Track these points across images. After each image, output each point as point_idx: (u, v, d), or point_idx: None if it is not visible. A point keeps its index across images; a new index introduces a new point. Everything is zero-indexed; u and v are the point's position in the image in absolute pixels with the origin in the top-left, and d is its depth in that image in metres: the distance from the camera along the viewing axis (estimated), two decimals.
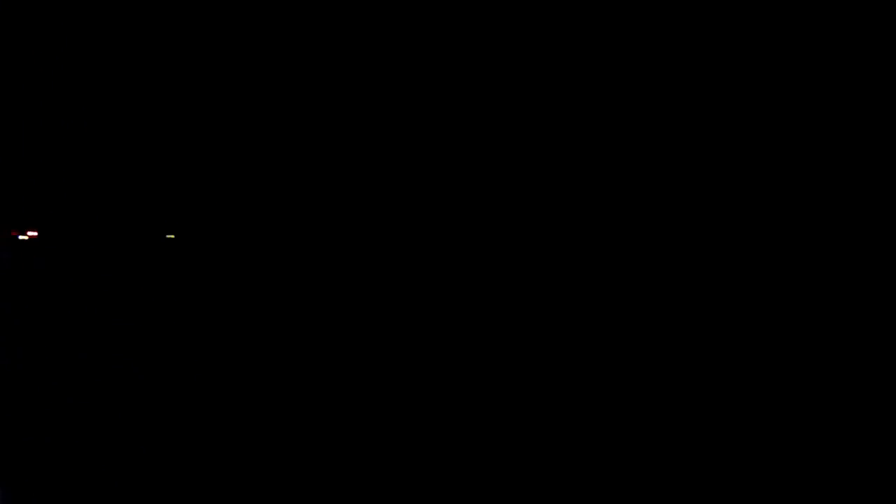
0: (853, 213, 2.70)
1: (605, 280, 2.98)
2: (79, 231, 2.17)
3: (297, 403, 2.73)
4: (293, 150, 2.32)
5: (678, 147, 2.76)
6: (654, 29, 2.54)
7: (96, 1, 2.04)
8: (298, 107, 2.32)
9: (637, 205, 2.83)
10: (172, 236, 2.25)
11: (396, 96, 2.44)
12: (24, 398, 2.36)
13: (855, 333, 2.77)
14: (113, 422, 2.57)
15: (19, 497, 1.95)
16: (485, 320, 3.02)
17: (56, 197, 2.07)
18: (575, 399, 2.84)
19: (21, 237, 1.86)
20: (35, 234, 1.92)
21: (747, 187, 2.82)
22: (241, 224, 2.41)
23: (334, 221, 2.50)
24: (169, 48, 2.11)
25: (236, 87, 2.23)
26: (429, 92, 2.44)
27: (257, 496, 2.11)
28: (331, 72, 2.25)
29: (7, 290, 1.91)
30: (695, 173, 2.80)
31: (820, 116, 2.65)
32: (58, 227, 2.09)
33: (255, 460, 2.39)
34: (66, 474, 2.19)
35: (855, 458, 2.46)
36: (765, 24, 2.56)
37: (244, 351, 2.82)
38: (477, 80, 2.46)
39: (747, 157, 2.79)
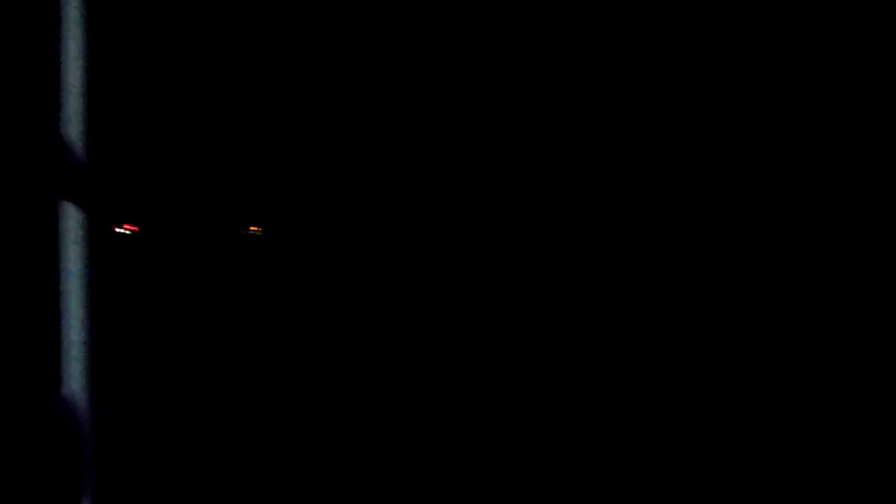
0: (853, 213, 2.72)
1: (605, 279, 3.00)
2: (176, 225, 2.31)
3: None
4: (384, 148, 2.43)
5: (678, 147, 2.80)
6: (654, 29, 2.60)
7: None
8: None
9: (637, 205, 2.87)
10: (258, 229, 2.38)
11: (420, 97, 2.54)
12: (126, 387, 2.41)
13: (855, 333, 2.73)
14: (219, 416, 2.62)
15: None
16: (486, 319, 3.06)
17: (153, 194, 2.21)
18: (575, 398, 2.84)
19: (121, 231, 1.99)
20: (135, 228, 2.05)
21: (747, 187, 2.85)
22: (334, 219, 2.52)
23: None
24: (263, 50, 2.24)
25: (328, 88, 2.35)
26: (435, 92, 2.54)
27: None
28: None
29: (110, 282, 2.02)
30: (695, 173, 2.84)
31: (820, 116, 2.69)
32: (156, 222, 2.22)
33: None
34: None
35: (855, 458, 2.48)
36: (765, 25, 2.60)
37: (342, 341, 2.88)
38: (478, 81, 2.55)
39: (747, 158, 2.83)
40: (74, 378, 1.83)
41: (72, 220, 1.78)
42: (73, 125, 1.82)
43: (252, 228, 2.56)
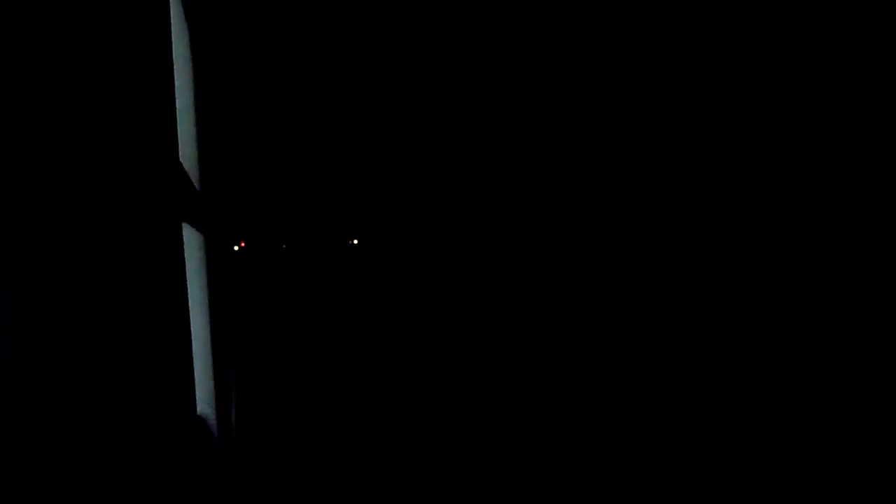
0: (853, 213, 2.57)
1: (605, 279, 2.96)
2: (279, 240, 2.48)
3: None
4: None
5: (678, 147, 2.68)
6: (654, 29, 2.49)
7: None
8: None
9: (637, 205, 2.78)
10: (356, 242, 2.51)
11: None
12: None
13: (855, 333, 2.62)
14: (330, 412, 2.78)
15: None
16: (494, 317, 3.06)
17: (258, 213, 2.39)
18: (575, 398, 2.85)
19: (235, 248, 2.17)
20: (243, 244, 2.23)
21: (747, 187, 2.72)
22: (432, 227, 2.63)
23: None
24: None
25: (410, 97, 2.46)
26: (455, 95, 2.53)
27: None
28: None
29: (224, 291, 2.21)
30: (695, 173, 2.73)
31: (820, 116, 2.52)
32: (261, 239, 2.41)
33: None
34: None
35: (855, 458, 2.44)
36: (765, 24, 2.46)
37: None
38: (481, 81, 2.51)
39: (747, 158, 2.69)
40: (203, 388, 1.97)
41: (194, 242, 1.92)
42: (189, 154, 1.97)
43: (351, 242, 2.66)
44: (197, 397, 1.90)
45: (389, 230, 2.46)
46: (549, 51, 2.53)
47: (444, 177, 2.61)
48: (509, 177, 2.74)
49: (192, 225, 1.88)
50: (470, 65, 2.51)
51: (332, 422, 2.70)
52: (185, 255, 1.93)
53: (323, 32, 2.38)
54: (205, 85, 2.20)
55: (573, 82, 2.58)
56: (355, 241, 2.24)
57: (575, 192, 2.75)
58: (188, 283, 1.89)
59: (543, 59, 2.54)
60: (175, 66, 1.81)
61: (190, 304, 1.88)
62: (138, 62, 1.29)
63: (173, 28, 1.84)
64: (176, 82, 1.83)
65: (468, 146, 2.57)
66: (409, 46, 2.47)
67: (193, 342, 1.92)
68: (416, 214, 2.53)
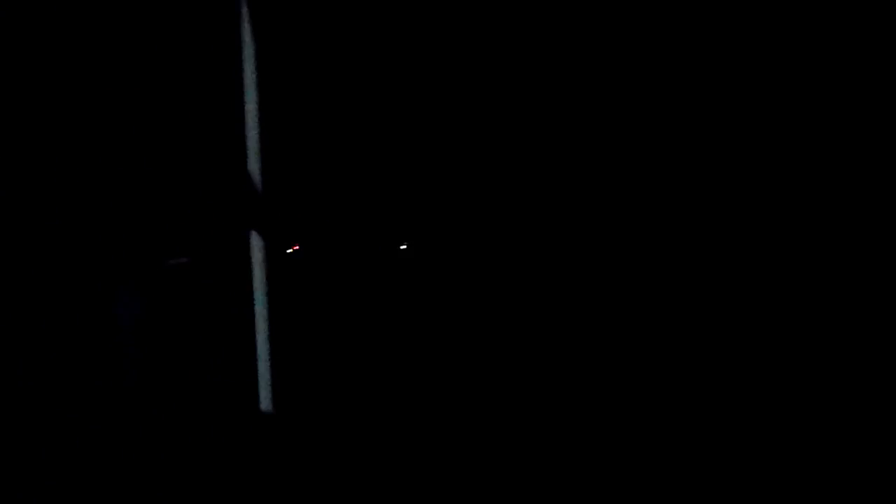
0: (853, 213, 2.55)
1: (606, 279, 2.96)
2: (331, 243, 2.57)
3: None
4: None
5: (678, 147, 2.68)
6: (654, 29, 2.50)
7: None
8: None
9: (638, 205, 2.78)
10: (406, 246, 2.58)
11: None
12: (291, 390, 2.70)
13: (855, 333, 2.73)
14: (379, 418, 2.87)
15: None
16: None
17: (311, 216, 2.48)
18: (576, 398, 2.86)
19: (288, 251, 2.25)
20: (297, 247, 2.32)
21: (747, 187, 2.70)
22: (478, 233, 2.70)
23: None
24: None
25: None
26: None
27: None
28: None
29: (279, 294, 2.29)
30: (695, 173, 2.72)
31: (820, 116, 2.50)
32: (314, 241, 2.49)
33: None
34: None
35: (855, 458, 2.48)
36: (765, 24, 2.45)
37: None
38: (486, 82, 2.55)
39: (747, 158, 2.67)
40: (264, 387, 2.05)
41: (257, 248, 2.01)
42: (253, 164, 2.05)
43: (401, 247, 2.73)
44: (260, 396, 1.99)
45: (444, 236, 2.54)
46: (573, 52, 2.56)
47: (508, 181, 2.67)
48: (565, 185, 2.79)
49: (258, 232, 1.97)
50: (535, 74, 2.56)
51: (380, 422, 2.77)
52: (253, 258, 2.02)
53: (383, 43, 2.44)
54: (267, 88, 2.29)
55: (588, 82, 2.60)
56: (404, 246, 2.31)
57: (587, 191, 2.77)
58: (255, 283, 1.98)
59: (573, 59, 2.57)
60: (244, 76, 1.90)
61: (256, 307, 1.97)
62: (212, 74, 1.37)
63: (243, 38, 1.92)
64: (246, 100, 1.92)
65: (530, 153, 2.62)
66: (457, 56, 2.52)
67: (260, 336, 2.02)
68: (474, 221, 2.59)
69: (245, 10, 1.94)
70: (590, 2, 2.74)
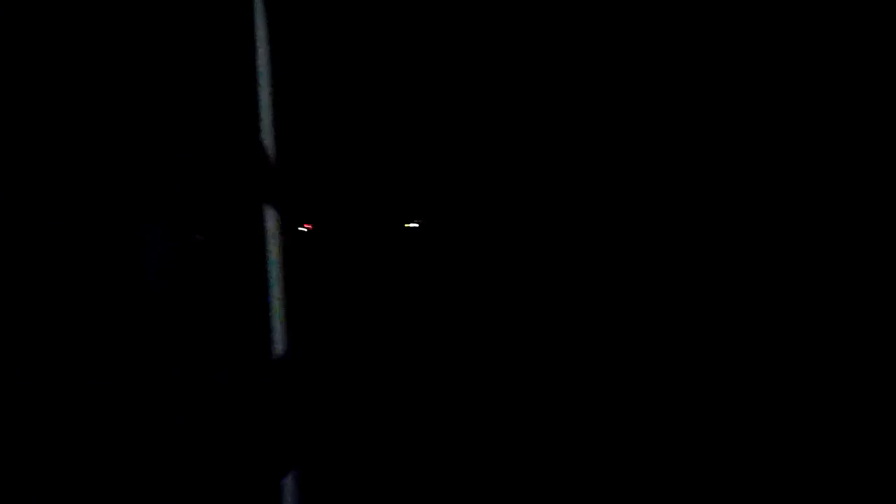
0: (853, 213, 2.55)
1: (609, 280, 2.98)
2: (343, 223, 2.60)
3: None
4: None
5: (678, 147, 2.68)
6: (654, 29, 2.48)
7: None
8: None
9: (639, 205, 2.79)
10: (416, 224, 2.61)
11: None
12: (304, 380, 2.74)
13: (855, 333, 2.71)
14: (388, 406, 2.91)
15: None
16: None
17: (323, 196, 2.50)
18: (578, 399, 2.87)
19: (300, 230, 2.29)
20: (310, 227, 2.35)
21: (747, 187, 2.71)
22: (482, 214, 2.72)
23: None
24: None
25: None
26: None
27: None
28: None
29: (292, 274, 2.33)
30: (695, 173, 2.73)
31: (820, 116, 2.49)
32: (327, 221, 2.52)
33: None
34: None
35: (855, 458, 2.48)
36: (765, 24, 2.44)
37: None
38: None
39: (747, 158, 2.67)
40: (279, 345, 2.10)
41: (271, 221, 2.04)
42: (268, 138, 2.07)
43: (410, 224, 2.76)
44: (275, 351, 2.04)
45: (456, 215, 2.55)
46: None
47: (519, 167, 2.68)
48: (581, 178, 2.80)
49: (272, 206, 2.00)
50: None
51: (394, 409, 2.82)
52: (267, 231, 2.05)
53: (401, 22, 2.44)
54: (281, 61, 2.29)
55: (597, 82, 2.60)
56: (415, 224, 2.32)
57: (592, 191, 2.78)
58: (268, 255, 2.01)
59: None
60: (258, 62, 1.91)
61: (269, 273, 2.01)
62: (226, 50, 1.39)
63: (256, 21, 1.92)
64: (260, 80, 1.93)
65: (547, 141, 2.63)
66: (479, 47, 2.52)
67: (273, 303, 2.06)
68: (485, 203, 2.60)
69: None
70: (604, 8, 2.72)
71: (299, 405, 2.24)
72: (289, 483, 1.91)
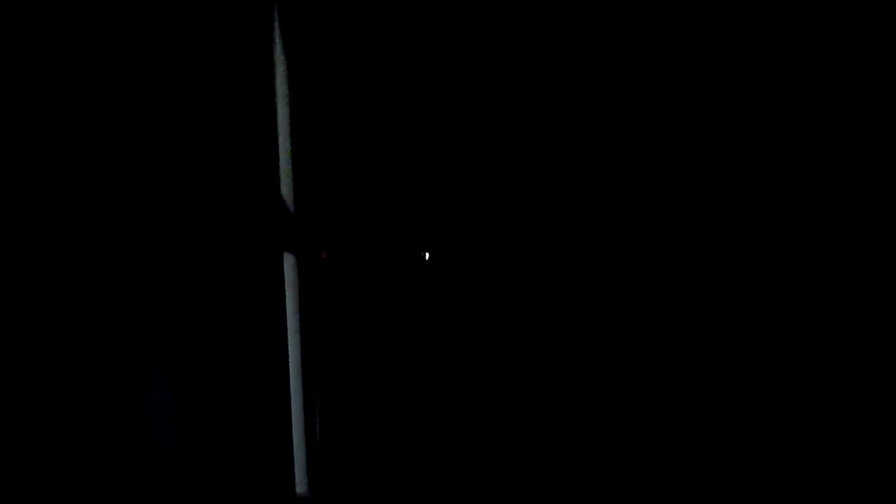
0: (853, 213, 2.47)
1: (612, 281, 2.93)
2: (356, 250, 2.62)
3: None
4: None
5: (678, 147, 2.63)
6: (654, 29, 2.45)
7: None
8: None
9: (642, 206, 2.75)
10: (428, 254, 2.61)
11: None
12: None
13: (855, 333, 2.65)
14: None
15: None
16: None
17: (337, 226, 2.52)
18: (579, 399, 2.86)
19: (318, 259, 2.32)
20: (324, 255, 2.37)
21: (747, 187, 2.65)
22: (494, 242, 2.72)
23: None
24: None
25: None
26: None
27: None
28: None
29: (314, 308, 2.34)
30: (695, 173, 2.67)
31: (820, 116, 2.42)
32: (339, 249, 2.54)
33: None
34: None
35: (855, 458, 2.45)
36: (765, 24, 2.39)
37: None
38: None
39: (747, 158, 2.62)
40: (295, 384, 2.09)
41: (289, 265, 2.03)
42: (286, 187, 2.08)
43: (421, 254, 2.75)
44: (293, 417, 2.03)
45: (470, 246, 2.56)
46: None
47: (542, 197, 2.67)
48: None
49: (290, 251, 2.00)
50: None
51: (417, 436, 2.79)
52: (286, 275, 2.05)
53: (412, 63, 2.46)
54: (299, 102, 2.31)
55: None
56: (427, 255, 2.32)
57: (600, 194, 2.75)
58: (287, 306, 2.01)
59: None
60: (278, 111, 1.92)
61: (288, 324, 2.00)
62: (246, 94, 1.39)
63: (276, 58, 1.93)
64: (280, 128, 1.94)
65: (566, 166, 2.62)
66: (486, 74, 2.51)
67: (290, 360, 2.05)
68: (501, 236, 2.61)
69: (277, 33, 1.96)
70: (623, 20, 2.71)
71: None
72: None
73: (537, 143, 2.66)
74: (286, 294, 2.02)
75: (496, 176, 2.76)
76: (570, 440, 2.73)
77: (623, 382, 2.93)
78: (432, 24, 2.38)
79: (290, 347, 2.01)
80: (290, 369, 2.01)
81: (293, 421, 2.02)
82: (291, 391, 2.01)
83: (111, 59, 1.00)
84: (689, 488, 2.40)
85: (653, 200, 2.76)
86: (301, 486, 2.14)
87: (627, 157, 2.70)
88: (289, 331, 2.05)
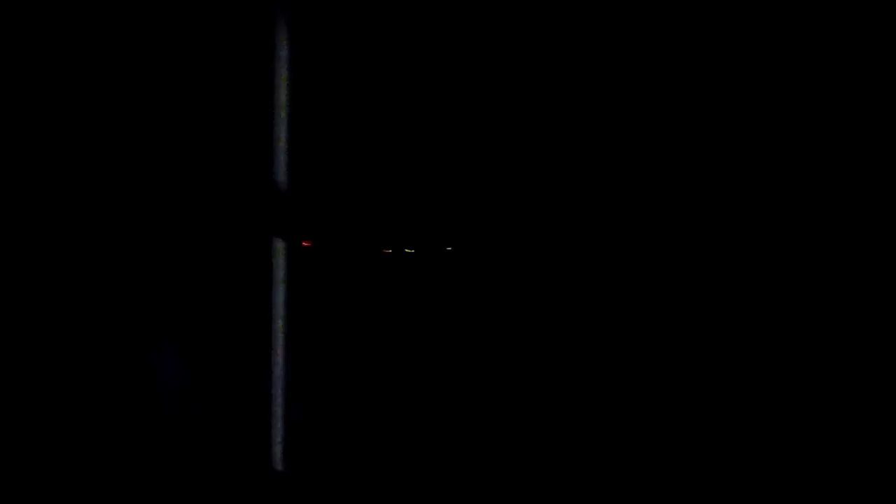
0: (853, 213, 2.52)
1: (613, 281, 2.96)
2: (341, 241, 2.66)
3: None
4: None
5: (678, 147, 2.68)
6: (654, 29, 2.50)
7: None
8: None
9: (642, 207, 2.79)
10: (413, 251, 2.65)
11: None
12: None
13: (855, 334, 2.67)
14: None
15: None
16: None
17: (324, 215, 2.57)
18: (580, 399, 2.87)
19: (303, 245, 2.36)
20: (309, 244, 2.41)
21: (747, 187, 2.69)
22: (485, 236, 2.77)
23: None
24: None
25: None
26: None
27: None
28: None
29: (292, 290, 2.38)
30: (695, 173, 2.72)
31: (820, 116, 2.48)
32: (325, 239, 2.59)
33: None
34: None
35: (855, 459, 2.45)
36: (765, 25, 2.44)
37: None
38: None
39: (747, 158, 2.66)
40: (278, 364, 2.15)
41: (279, 246, 2.10)
42: (281, 172, 2.14)
43: (407, 250, 2.79)
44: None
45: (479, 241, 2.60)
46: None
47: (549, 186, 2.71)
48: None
49: (281, 236, 2.06)
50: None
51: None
52: (274, 255, 2.11)
53: (416, 45, 2.50)
54: (298, 87, 2.35)
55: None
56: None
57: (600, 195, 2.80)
58: (274, 279, 2.07)
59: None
60: (275, 103, 1.98)
61: (273, 307, 2.06)
62: (246, 83, 1.44)
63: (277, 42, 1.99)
64: (276, 120, 2.00)
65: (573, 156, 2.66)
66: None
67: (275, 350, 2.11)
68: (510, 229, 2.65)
69: (282, 25, 2.02)
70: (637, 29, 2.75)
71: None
72: None
73: (537, 140, 2.71)
74: (273, 278, 2.08)
75: (496, 174, 2.81)
76: (562, 428, 2.77)
77: (623, 382, 2.98)
78: (438, 11, 2.44)
79: (274, 329, 2.07)
80: (274, 350, 2.08)
81: (273, 399, 2.08)
82: (273, 374, 2.07)
83: (105, 40, 1.05)
84: (689, 488, 2.43)
85: (653, 200, 2.81)
86: (278, 462, 2.21)
87: (627, 157, 2.75)
88: (274, 315, 2.12)
